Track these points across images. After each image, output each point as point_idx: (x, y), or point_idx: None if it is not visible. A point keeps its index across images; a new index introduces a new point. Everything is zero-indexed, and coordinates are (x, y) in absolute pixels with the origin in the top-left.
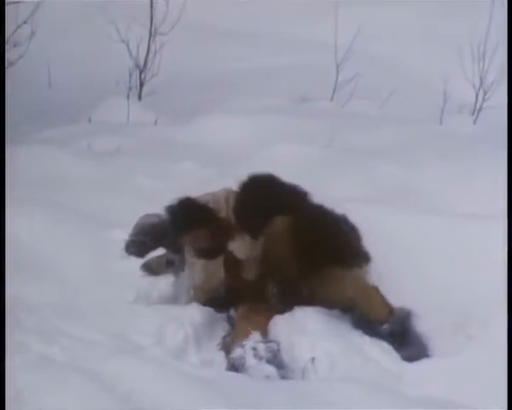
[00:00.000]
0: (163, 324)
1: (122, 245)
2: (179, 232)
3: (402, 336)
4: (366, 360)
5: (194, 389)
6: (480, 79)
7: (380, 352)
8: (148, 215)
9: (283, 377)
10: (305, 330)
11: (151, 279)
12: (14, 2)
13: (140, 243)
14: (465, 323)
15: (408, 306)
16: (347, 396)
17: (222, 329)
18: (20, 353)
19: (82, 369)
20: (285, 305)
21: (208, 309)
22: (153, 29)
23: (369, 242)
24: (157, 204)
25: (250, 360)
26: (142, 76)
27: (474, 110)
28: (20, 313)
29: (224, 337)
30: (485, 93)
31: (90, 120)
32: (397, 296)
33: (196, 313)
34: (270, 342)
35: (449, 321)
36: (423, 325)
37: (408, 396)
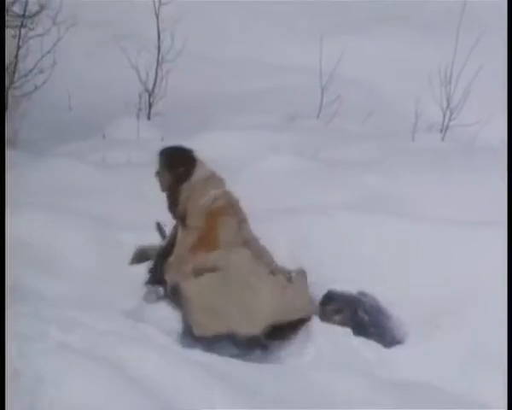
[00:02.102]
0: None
1: (131, 246)
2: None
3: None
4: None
5: (195, 373)
6: (447, 101)
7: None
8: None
9: None
10: None
11: None
12: (38, 35)
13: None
14: (436, 314)
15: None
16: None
17: None
18: (40, 341)
19: (96, 355)
20: None
21: None
22: (160, 57)
23: (350, 242)
24: (162, 210)
25: None
26: (151, 98)
27: (442, 128)
28: (40, 305)
29: None
30: (451, 113)
31: (104, 137)
32: (376, 292)
33: None
34: None
35: (422, 312)
36: (402, 316)
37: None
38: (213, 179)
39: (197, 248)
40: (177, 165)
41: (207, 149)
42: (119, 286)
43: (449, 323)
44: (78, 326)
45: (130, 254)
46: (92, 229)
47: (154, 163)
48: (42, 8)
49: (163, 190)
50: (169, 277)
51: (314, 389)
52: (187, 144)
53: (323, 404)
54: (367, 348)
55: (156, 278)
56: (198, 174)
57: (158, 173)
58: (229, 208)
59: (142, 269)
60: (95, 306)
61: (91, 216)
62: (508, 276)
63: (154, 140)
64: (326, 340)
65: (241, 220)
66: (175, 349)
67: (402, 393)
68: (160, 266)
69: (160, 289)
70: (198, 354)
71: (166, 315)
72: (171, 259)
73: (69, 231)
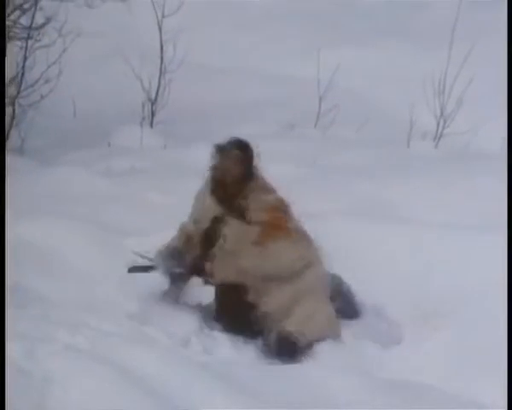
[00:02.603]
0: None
1: (135, 250)
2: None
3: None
4: None
5: (196, 373)
6: (441, 110)
7: None
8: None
9: None
10: None
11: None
12: (44, 47)
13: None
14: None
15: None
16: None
17: None
18: (48, 342)
19: (101, 356)
20: None
21: None
22: (162, 67)
23: (346, 246)
24: (165, 216)
25: None
26: (154, 107)
27: (436, 136)
28: (47, 308)
29: None
30: (444, 122)
31: (109, 145)
32: (370, 293)
33: None
34: None
35: (419, 314)
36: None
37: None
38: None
39: (262, 242)
40: (252, 158)
41: (208, 156)
42: (123, 290)
43: (447, 324)
44: (83, 328)
45: (133, 259)
46: (97, 234)
47: (156, 170)
48: (48, 20)
49: (226, 180)
50: (218, 272)
51: (314, 389)
52: (189, 152)
53: (324, 404)
54: (366, 347)
55: (180, 277)
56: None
57: (224, 162)
58: (288, 207)
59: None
60: (99, 309)
61: (96, 222)
62: (508, 276)
63: (157, 147)
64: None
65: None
66: (177, 351)
67: (401, 393)
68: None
69: (179, 291)
70: (199, 355)
71: (169, 318)
72: (221, 254)
73: (75, 237)
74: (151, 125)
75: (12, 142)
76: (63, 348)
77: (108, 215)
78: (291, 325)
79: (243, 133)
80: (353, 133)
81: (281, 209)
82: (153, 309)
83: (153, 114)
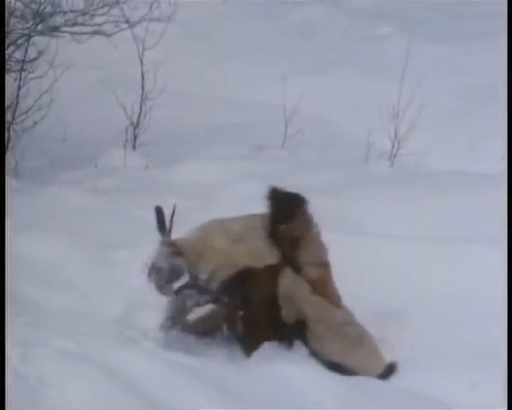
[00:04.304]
0: None
1: (122, 262)
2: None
3: None
4: None
5: (181, 375)
6: (395, 132)
7: None
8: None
9: None
10: None
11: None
12: (37, 78)
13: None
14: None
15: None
16: None
17: None
18: (43, 347)
19: (91, 359)
20: None
21: None
22: (144, 95)
23: None
24: (147, 230)
25: None
26: (136, 131)
27: (391, 156)
28: (42, 315)
29: None
30: (398, 143)
31: (96, 166)
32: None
33: None
34: None
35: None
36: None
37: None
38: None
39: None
40: (306, 212)
41: (187, 176)
42: (111, 298)
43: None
44: (75, 334)
45: (121, 269)
46: (86, 247)
47: (139, 188)
48: (40, 54)
49: (292, 235)
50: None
51: (300, 389)
52: (169, 172)
53: (310, 404)
54: None
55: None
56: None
57: (288, 219)
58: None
59: (136, 281)
60: (90, 315)
61: (86, 236)
62: (508, 279)
63: (140, 168)
64: None
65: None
66: (159, 352)
67: (399, 395)
68: None
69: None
70: (180, 357)
71: (150, 323)
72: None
73: (66, 249)
74: (134, 147)
75: (7, 164)
76: (56, 352)
77: (96, 229)
78: None
79: (217, 154)
80: (317, 154)
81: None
82: (137, 315)
83: (135, 137)
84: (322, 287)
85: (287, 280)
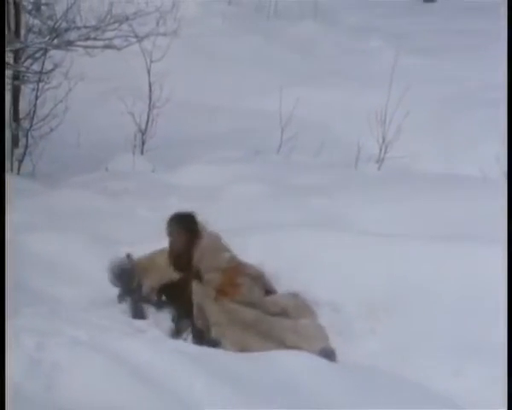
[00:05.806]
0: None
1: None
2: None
3: None
4: None
5: (184, 362)
6: (383, 137)
7: None
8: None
9: None
10: None
11: None
12: (53, 88)
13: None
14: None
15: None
16: None
17: None
18: (56, 336)
19: (100, 346)
20: None
21: None
22: (151, 104)
23: (303, 253)
24: (153, 228)
25: None
26: (144, 137)
27: (379, 160)
28: (55, 306)
29: None
30: (386, 148)
31: (106, 169)
32: (327, 293)
33: None
34: None
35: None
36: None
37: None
38: (221, 243)
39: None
40: (192, 229)
41: (190, 178)
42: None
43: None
44: (85, 323)
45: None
46: (98, 244)
47: (146, 190)
48: (56, 66)
49: (176, 250)
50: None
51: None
52: (173, 175)
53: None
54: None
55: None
56: (206, 238)
57: (171, 237)
58: (242, 268)
59: None
60: (99, 307)
61: (96, 234)
62: (508, 277)
63: (147, 171)
64: None
65: (255, 277)
66: (164, 340)
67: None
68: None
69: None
70: (184, 345)
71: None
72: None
73: (78, 246)
74: (142, 152)
75: (25, 167)
76: (68, 340)
77: (106, 228)
78: None
79: (217, 158)
80: (310, 158)
81: (235, 271)
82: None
83: (143, 143)
84: (230, 291)
85: (196, 289)
